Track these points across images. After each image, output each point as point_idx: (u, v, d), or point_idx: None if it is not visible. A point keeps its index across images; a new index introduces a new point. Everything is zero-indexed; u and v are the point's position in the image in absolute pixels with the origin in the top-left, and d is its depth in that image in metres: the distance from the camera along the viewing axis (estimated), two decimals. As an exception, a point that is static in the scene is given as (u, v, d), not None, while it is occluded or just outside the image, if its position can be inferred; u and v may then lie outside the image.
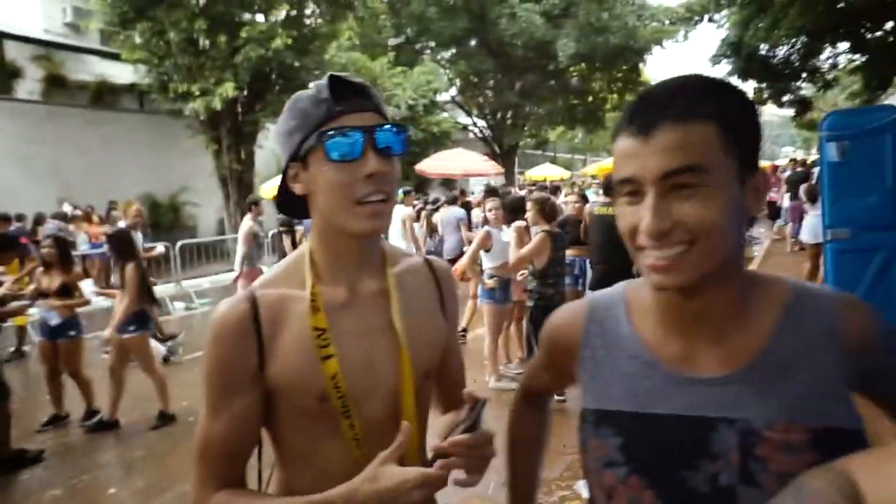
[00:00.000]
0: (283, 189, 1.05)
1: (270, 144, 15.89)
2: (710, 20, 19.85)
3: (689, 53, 73.19)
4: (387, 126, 0.97)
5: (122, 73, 15.62)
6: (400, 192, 6.68)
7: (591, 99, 23.25)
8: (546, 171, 22.46)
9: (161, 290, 10.33)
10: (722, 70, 18.12)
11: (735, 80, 17.69)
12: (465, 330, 6.41)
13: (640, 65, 22.44)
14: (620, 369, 0.88)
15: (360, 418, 1.00)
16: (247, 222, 6.98)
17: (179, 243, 11.04)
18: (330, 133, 0.94)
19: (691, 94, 0.75)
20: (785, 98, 18.74)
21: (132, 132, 15.30)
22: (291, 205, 1.08)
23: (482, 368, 5.44)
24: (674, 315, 0.84)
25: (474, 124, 23.31)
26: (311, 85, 1.00)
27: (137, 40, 13.08)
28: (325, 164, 0.95)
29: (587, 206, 5.97)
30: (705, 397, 0.81)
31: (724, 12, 17.43)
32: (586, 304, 0.97)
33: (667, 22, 20.52)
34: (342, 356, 0.99)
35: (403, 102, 17.14)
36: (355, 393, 1.00)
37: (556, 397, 4.76)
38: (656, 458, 0.83)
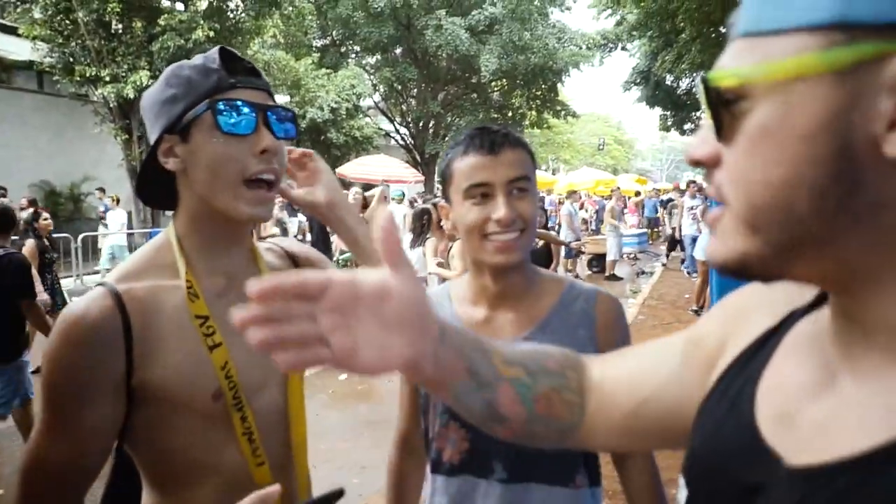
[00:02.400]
0: (150, 167, 0.94)
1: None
2: (623, 48, 21.19)
3: (604, 78, 76.99)
4: (280, 108, 0.93)
5: (18, 49, 14.49)
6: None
7: (510, 114, 24.05)
8: (465, 182, 22.94)
9: (61, 284, 9.71)
10: (632, 96, 19.33)
11: (643, 107, 18.98)
12: None
13: (559, 85, 23.48)
14: None
15: (252, 412, 0.94)
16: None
17: (81, 236, 10.42)
18: (223, 103, 0.87)
19: (512, 132, 1.10)
20: (686, 126, 20.27)
21: (28, 114, 14.25)
22: (151, 192, 1.01)
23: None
24: (482, 295, 1.15)
25: (396, 131, 23.45)
26: (197, 57, 0.93)
27: (38, 15, 12.24)
28: (214, 135, 0.87)
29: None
30: None
31: (636, 43, 18.68)
32: None
33: (584, 46, 21.63)
34: (230, 346, 0.92)
35: (326, 105, 17.01)
36: (248, 385, 0.94)
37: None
38: None
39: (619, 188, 12.37)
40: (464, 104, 23.21)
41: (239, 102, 0.88)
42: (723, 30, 12.47)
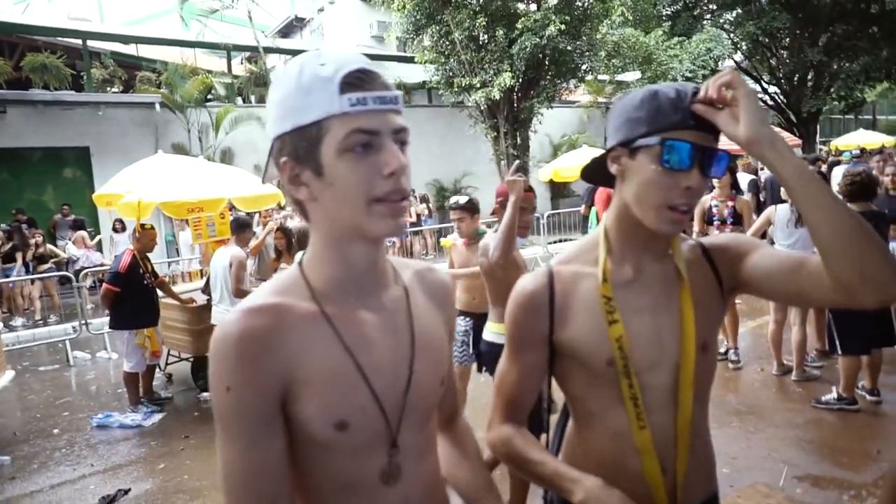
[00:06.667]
0: (599, 163, 1.16)
1: (544, 129, 16.45)
2: None
3: None
4: (717, 151, 1.03)
5: (414, 74, 17.72)
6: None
7: (935, 45, 18.59)
8: (860, 139, 18.81)
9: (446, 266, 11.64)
10: None
11: None
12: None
13: None
14: None
15: (639, 382, 1.10)
16: None
17: (462, 223, 12.22)
18: (673, 142, 1.00)
19: None
20: None
21: (422, 125, 17.29)
22: (596, 174, 1.21)
23: (770, 358, 4.98)
24: None
25: (765, 91, 20.63)
26: (673, 87, 1.04)
27: (427, 43, 14.73)
28: (655, 165, 1.02)
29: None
30: None
31: None
32: None
33: None
34: (627, 325, 1.10)
35: (680, 75, 16.02)
36: (639, 359, 1.10)
37: (868, 397, 4.16)
38: None
39: None
40: (857, 44, 18.93)
41: (686, 144, 1.00)
42: None
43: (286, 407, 0.86)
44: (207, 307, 5.72)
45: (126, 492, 3.84)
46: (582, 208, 10.60)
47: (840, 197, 4.09)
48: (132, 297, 5.24)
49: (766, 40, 19.50)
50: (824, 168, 9.93)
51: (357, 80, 0.83)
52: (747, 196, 9.33)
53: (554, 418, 1.35)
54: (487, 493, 1.08)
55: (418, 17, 14.29)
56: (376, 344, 0.91)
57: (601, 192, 7.41)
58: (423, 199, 14.59)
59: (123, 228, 10.73)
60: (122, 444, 4.68)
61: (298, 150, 0.85)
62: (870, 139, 18.65)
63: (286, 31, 27.56)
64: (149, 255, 5.60)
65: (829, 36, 19.09)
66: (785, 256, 1.08)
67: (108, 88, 16.67)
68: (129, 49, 17.85)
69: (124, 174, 6.79)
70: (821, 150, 19.47)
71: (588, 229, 8.37)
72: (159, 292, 5.67)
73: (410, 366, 0.94)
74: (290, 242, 5.44)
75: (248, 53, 19.36)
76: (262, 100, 17.45)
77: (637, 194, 1.06)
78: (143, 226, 5.54)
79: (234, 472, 0.83)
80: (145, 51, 17.90)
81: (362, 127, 0.83)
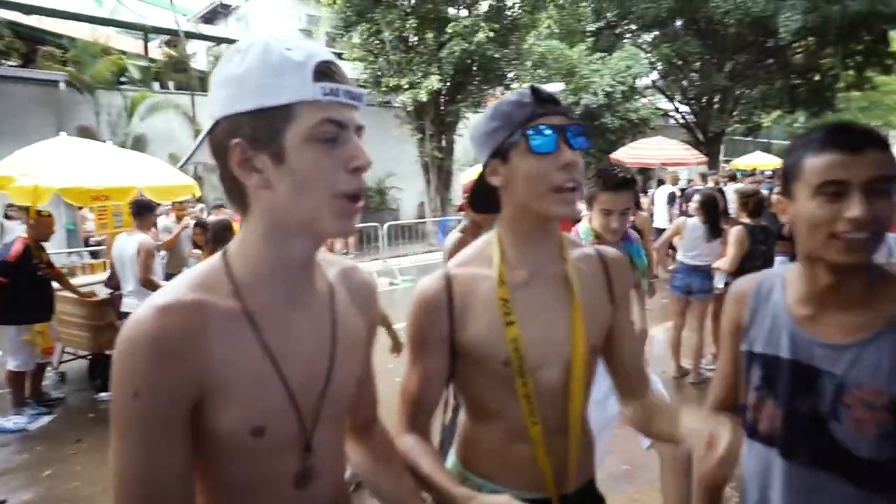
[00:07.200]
0: (480, 185, 1.21)
1: (470, 133, 16.61)
2: None
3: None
4: (575, 125, 1.11)
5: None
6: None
7: (818, 77, 20.41)
8: (756, 160, 20.36)
9: (368, 266, 11.56)
10: None
11: None
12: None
13: (893, 33, 19.10)
14: (770, 324, 1.18)
15: (533, 381, 1.15)
16: None
17: (386, 224, 12.17)
18: (532, 130, 1.08)
19: (876, 131, 1.05)
20: None
21: (349, 123, 17.06)
22: (482, 202, 1.26)
23: (669, 361, 5.29)
24: (813, 291, 1.12)
25: (676, 110, 21.87)
26: (512, 94, 1.15)
27: (356, 40, 14.56)
28: (527, 156, 1.09)
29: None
30: (821, 355, 1.09)
31: None
32: (756, 278, 1.27)
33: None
34: (522, 325, 1.15)
35: (601, 89, 16.71)
36: (533, 358, 1.15)
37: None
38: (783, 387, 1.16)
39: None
40: (756, 73, 20.49)
41: (543, 127, 1.08)
42: None
43: (198, 412, 0.81)
44: (108, 301, 5.39)
45: (2, 503, 3.54)
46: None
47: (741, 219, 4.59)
48: (22, 289, 4.84)
49: (680, 63, 20.68)
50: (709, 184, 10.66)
51: (329, 71, 0.83)
52: (664, 206, 9.95)
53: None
54: (411, 501, 1.08)
55: (348, 13, 14.11)
56: (298, 343, 0.89)
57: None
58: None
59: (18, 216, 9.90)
60: (1, 451, 4.31)
61: (257, 132, 0.80)
62: (764, 161, 20.31)
63: (210, 18, 26.45)
64: (45, 244, 5.20)
65: (733, 63, 20.50)
66: (637, 356, 1.30)
67: (3, 61, 15.33)
68: (31, 20, 16.51)
69: (19, 155, 6.26)
70: (723, 167, 20.87)
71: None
72: (55, 285, 5.28)
73: (329, 367, 0.93)
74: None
75: (167, 37, 18.41)
76: (181, 87, 16.61)
77: (524, 190, 1.12)
78: (39, 212, 5.14)
79: (130, 480, 0.77)
80: (50, 24, 16.62)
81: (333, 117, 0.82)
